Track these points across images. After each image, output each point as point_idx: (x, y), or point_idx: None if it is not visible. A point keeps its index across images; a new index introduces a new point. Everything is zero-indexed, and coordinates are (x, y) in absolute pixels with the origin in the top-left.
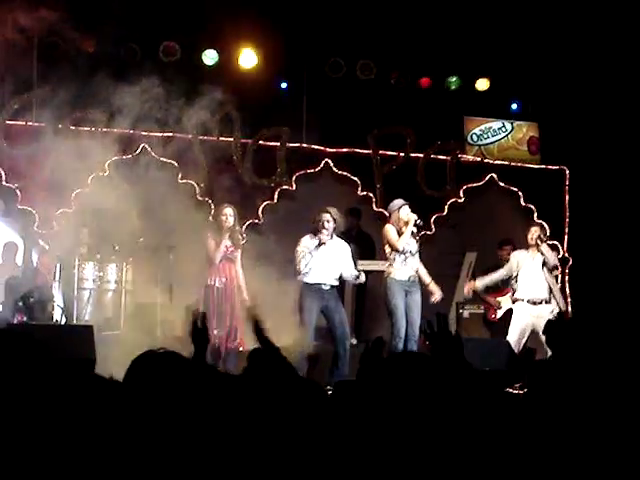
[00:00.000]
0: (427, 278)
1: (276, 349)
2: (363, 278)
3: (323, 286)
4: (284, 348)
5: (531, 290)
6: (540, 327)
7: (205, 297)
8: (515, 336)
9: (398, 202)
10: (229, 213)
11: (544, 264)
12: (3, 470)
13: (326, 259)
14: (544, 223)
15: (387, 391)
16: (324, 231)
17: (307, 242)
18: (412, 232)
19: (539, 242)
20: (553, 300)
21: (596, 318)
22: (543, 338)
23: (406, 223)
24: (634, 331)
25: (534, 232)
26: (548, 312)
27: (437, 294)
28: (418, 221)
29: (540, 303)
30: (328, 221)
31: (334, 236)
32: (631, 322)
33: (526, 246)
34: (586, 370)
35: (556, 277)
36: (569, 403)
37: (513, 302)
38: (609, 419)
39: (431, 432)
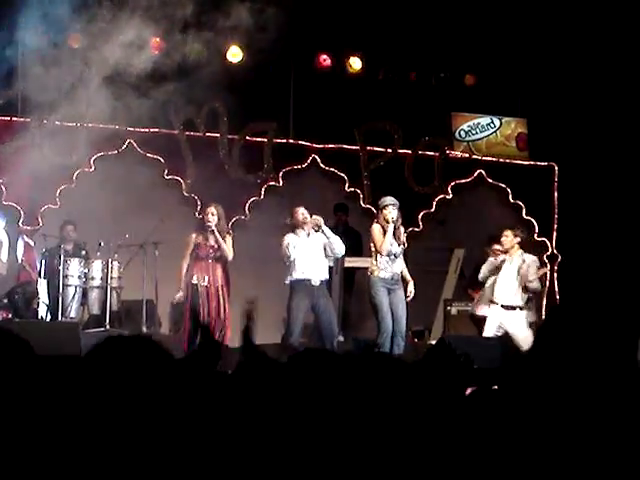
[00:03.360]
0: (408, 277)
1: (262, 355)
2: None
3: (312, 282)
4: (270, 346)
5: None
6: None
7: (190, 296)
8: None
9: (385, 200)
10: (213, 212)
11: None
12: None
13: (312, 254)
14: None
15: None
16: (304, 227)
17: (291, 237)
18: (397, 235)
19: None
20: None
21: (584, 315)
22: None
23: (387, 222)
24: (622, 328)
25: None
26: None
27: (411, 295)
28: (389, 218)
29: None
30: (303, 214)
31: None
32: (619, 319)
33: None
34: (570, 367)
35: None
36: (549, 401)
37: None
38: (591, 418)
39: (413, 433)
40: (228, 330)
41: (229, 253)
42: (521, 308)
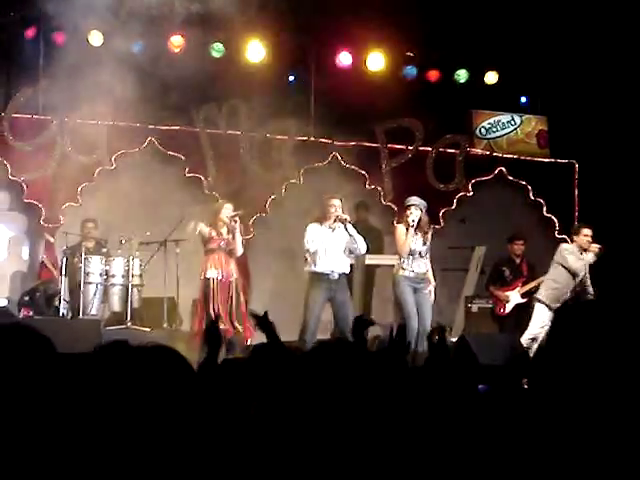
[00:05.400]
0: (430, 279)
1: (280, 343)
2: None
3: (331, 275)
4: (289, 342)
5: None
6: None
7: (204, 290)
8: None
9: (408, 200)
10: (223, 206)
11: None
12: (8, 465)
13: (334, 248)
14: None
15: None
16: (331, 220)
17: (313, 229)
18: (423, 233)
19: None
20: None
21: (606, 313)
22: None
23: (408, 223)
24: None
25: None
26: None
27: (430, 298)
28: (410, 220)
29: None
30: (333, 206)
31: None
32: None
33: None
34: (591, 366)
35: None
36: (573, 397)
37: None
38: (614, 415)
39: (432, 431)
40: (247, 323)
41: (240, 249)
42: None
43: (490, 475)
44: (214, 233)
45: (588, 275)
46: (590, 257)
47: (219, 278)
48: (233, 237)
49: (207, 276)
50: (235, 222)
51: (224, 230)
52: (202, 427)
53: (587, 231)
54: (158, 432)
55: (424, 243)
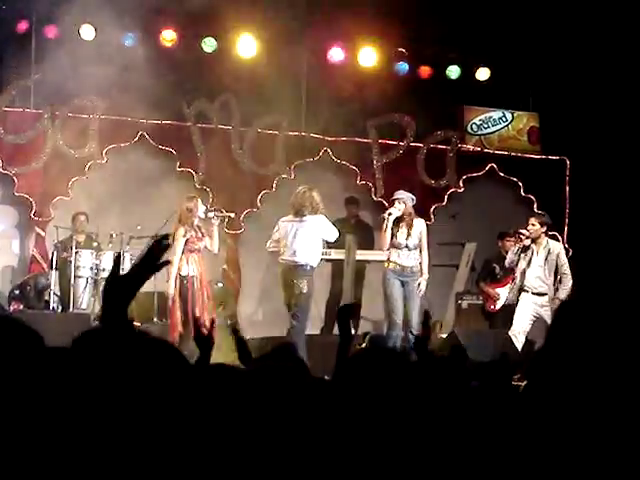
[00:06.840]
0: (423, 272)
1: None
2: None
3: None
4: (280, 338)
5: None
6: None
7: (180, 288)
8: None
9: (394, 194)
10: (198, 204)
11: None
12: None
13: (305, 239)
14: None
15: (373, 389)
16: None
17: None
18: (408, 227)
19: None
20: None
21: (596, 309)
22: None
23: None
24: (635, 323)
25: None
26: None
27: (420, 291)
28: (386, 214)
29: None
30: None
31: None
32: (632, 314)
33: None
34: (586, 361)
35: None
36: (570, 396)
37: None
38: (612, 413)
39: (426, 428)
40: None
41: (217, 247)
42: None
43: (488, 473)
44: (193, 233)
45: (563, 266)
46: (553, 244)
47: (198, 277)
48: (209, 236)
49: (183, 274)
50: (217, 218)
51: (196, 227)
52: (198, 424)
53: (531, 220)
54: (152, 428)
55: (409, 235)
